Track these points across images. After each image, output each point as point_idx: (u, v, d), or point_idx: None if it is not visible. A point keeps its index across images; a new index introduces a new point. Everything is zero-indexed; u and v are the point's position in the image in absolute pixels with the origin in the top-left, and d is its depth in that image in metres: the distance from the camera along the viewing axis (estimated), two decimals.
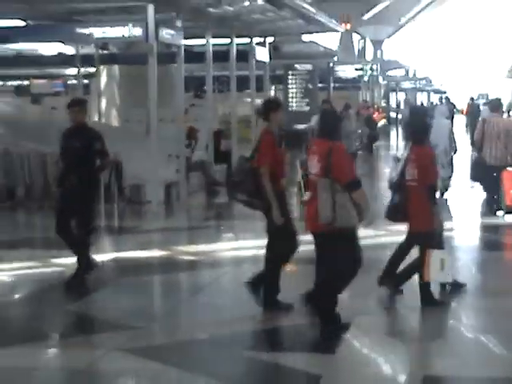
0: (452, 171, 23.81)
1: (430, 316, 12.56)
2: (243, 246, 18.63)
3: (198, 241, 19.94)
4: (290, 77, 43.77)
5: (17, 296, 14.60)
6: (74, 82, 36.92)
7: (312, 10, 33.15)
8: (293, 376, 10.14)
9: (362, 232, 12.08)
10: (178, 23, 25.19)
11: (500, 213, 22.02)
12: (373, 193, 26.06)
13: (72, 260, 15.88)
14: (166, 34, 24.75)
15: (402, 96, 64.38)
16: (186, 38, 27.88)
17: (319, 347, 11.05)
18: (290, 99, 43.86)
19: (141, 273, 16.24)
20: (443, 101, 53.01)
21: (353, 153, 30.71)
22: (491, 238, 20.11)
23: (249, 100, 33.06)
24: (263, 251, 16.35)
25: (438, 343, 11.37)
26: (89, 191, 14.60)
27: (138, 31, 24.19)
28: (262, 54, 31.13)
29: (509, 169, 21.62)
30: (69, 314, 13.33)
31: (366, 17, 72.91)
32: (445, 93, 66.17)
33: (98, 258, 16.54)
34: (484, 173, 22.68)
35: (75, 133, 14.49)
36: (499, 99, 29.09)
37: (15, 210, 24.51)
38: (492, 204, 22.58)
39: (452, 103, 52.56)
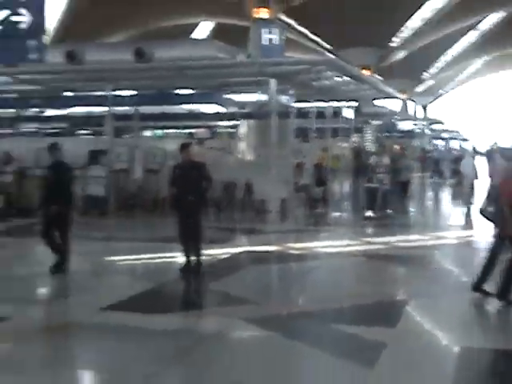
0: None
1: None
2: (334, 245, 20.01)
3: (302, 240, 21.44)
4: (366, 129, 45.82)
5: (172, 277, 15.71)
6: (223, 130, 39.30)
7: (382, 84, 35.45)
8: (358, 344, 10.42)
9: None
10: (291, 91, 27.53)
11: None
12: None
13: (217, 251, 18.24)
14: (282, 98, 26.85)
15: (440, 142, 65.13)
16: (296, 101, 30.15)
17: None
18: (366, 143, 45.86)
19: (263, 262, 17.56)
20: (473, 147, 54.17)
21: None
22: None
23: (339, 143, 35.36)
24: (348, 248, 18.95)
25: None
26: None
27: (264, 97, 26.31)
28: (348, 113, 33.61)
29: None
30: (208, 290, 14.51)
31: (417, 89, 75.26)
32: (467, 140, 65.90)
33: (236, 250, 18.80)
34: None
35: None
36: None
37: None
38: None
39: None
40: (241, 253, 18.87)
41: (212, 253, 18.20)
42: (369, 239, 22.02)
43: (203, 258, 15.88)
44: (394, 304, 13.32)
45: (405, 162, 31.61)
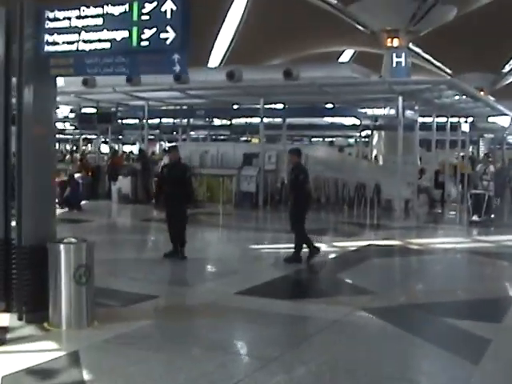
0: None
1: None
2: (448, 241, 18.71)
3: (421, 236, 20.18)
4: (480, 141, 44.29)
5: (306, 266, 14.25)
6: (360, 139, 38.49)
7: (495, 103, 33.95)
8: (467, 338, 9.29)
9: None
10: (416, 107, 26.01)
11: None
12: None
13: (347, 243, 17.35)
14: (408, 113, 25.46)
15: None
16: (421, 116, 29.22)
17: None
18: (481, 154, 44.32)
19: (385, 255, 16.31)
20: None
21: None
22: None
23: (456, 153, 33.56)
24: (460, 245, 17.54)
25: None
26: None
27: (392, 111, 25.52)
28: (465, 127, 32.05)
29: None
30: (334, 280, 13.27)
31: None
32: None
33: (363, 243, 17.50)
34: None
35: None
36: None
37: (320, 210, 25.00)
38: None
39: None
40: (367, 246, 17.45)
41: (342, 245, 17.39)
42: (480, 238, 20.25)
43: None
44: (503, 300, 11.79)
45: None
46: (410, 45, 50.23)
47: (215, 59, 53.22)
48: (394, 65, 31.18)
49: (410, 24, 39.74)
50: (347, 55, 63.49)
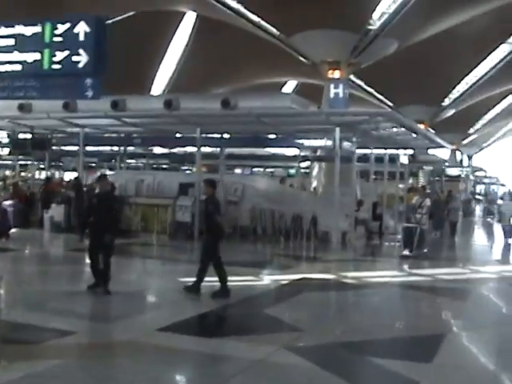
0: None
1: None
2: (384, 275, 18.33)
3: (356, 269, 19.79)
4: (420, 173, 44.47)
5: (234, 300, 13.59)
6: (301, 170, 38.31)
7: (434, 136, 34.08)
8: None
9: None
10: (354, 139, 25.47)
11: None
12: None
13: (280, 277, 16.92)
14: (346, 144, 25.27)
15: (482, 186, 65.59)
16: (361, 147, 29.03)
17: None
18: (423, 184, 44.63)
19: (317, 289, 15.76)
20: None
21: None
22: None
23: (394, 185, 33.21)
24: (395, 279, 17.14)
25: None
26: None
27: (329, 143, 25.30)
28: (404, 159, 31.96)
29: None
30: (263, 316, 12.61)
31: (464, 142, 74.41)
32: (504, 186, 66.03)
33: (296, 277, 16.93)
34: None
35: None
36: None
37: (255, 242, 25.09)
38: None
39: None
40: (300, 279, 16.89)
41: (274, 278, 17.10)
42: (412, 272, 19.64)
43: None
44: (434, 337, 11.18)
45: (455, 203, 30.13)
46: (352, 77, 50.87)
47: (158, 87, 52.90)
48: (332, 96, 31.00)
49: (352, 56, 39.98)
50: (290, 86, 63.60)
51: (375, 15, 39.93)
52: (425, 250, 22.60)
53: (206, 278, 13.93)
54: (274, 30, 38.81)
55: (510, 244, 28.25)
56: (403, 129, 25.73)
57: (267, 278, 17.23)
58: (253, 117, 23.94)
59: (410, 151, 33.22)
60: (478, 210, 56.99)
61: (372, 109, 48.50)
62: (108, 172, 31.40)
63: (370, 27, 40.06)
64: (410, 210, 24.19)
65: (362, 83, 55.43)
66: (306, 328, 11.60)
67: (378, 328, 11.85)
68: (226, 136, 29.34)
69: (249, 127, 27.51)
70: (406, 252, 21.89)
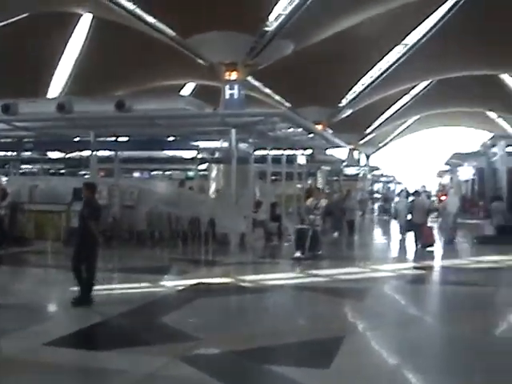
0: None
1: None
2: (282, 277, 17.84)
3: (254, 272, 19.50)
4: (318, 173, 44.48)
5: (126, 309, 13.17)
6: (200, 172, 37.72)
7: (332, 136, 34.11)
8: None
9: None
10: (250, 140, 25.57)
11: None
12: None
13: (175, 282, 16.59)
14: (242, 146, 25.44)
15: (379, 185, 66.80)
16: (256, 149, 28.75)
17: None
18: (319, 185, 44.74)
19: (214, 294, 15.33)
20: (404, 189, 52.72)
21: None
22: None
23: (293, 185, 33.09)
24: (293, 281, 16.85)
25: None
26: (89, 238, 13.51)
27: (225, 144, 25.00)
28: (302, 160, 31.80)
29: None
30: (156, 324, 12.04)
31: (361, 142, 75.31)
32: (401, 184, 67.34)
33: (192, 282, 16.40)
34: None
35: (85, 203, 13.91)
36: (418, 191, 33.45)
37: (153, 246, 24.53)
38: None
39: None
40: (196, 284, 16.38)
41: (169, 284, 16.68)
42: (314, 272, 19.15)
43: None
44: (332, 340, 10.87)
45: (351, 203, 30.02)
46: (250, 79, 50.60)
47: (55, 91, 51.53)
48: (228, 97, 30.64)
49: (249, 57, 39.71)
50: (189, 89, 63.03)
51: (272, 16, 39.83)
52: (319, 252, 22.16)
53: (98, 287, 13.35)
54: (170, 32, 38.19)
55: (405, 239, 28.62)
56: (300, 129, 25.50)
57: (163, 285, 16.67)
58: (147, 119, 23.42)
59: (308, 152, 33.15)
60: (375, 208, 57.71)
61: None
62: (3, 178, 30.08)
63: (267, 28, 39.91)
64: (305, 211, 23.74)
65: (260, 85, 55.17)
66: (202, 336, 11.10)
67: (277, 333, 11.49)
68: (121, 139, 28.53)
69: (144, 130, 26.94)
70: (298, 254, 21.43)
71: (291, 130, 25.85)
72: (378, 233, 38.74)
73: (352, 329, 12.12)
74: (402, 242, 28.85)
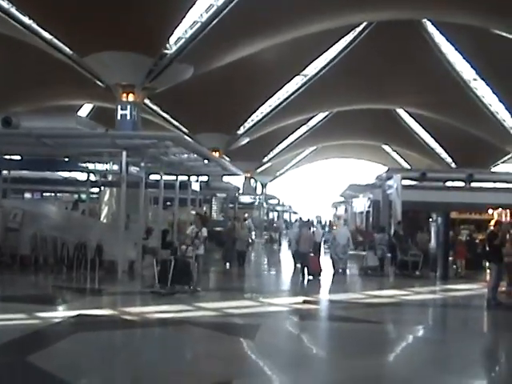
0: None
1: None
2: (172, 310, 16.47)
3: (140, 303, 18.21)
4: (213, 200, 43.35)
5: None
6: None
7: (227, 163, 33.02)
8: None
9: None
10: (142, 164, 24.19)
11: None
12: None
13: (52, 314, 14.90)
14: (133, 169, 24.21)
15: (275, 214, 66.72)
16: (150, 173, 27.44)
17: None
18: (214, 213, 43.73)
19: (91, 329, 13.92)
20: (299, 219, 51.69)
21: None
22: None
23: (188, 212, 31.74)
24: (178, 315, 15.42)
25: None
26: None
27: (115, 167, 23.66)
28: (196, 186, 30.36)
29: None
30: (20, 364, 10.59)
31: (258, 170, 75.15)
32: (297, 213, 67.26)
33: (71, 313, 15.15)
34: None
35: None
36: (308, 220, 33.24)
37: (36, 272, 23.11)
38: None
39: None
40: (75, 316, 14.94)
41: (45, 316, 14.83)
42: (204, 305, 17.64)
43: None
44: None
45: (242, 232, 28.75)
46: (149, 102, 49.67)
47: None
48: (119, 118, 29.28)
49: (147, 80, 38.71)
50: (86, 109, 61.51)
51: (172, 39, 38.91)
52: (190, 287, 19.64)
53: None
54: (68, 50, 36.65)
55: (296, 269, 27.97)
56: (194, 155, 24.27)
57: (40, 316, 15.00)
58: (33, 137, 21.84)
59: (204, 178, 32.08)
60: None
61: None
62: None
63: (166, 51, 38.99)
64: (184, 239, 21.47)
65: (158, 109, 54.18)
66: (72, 380, 9.78)
67: (160, 377, 10.35)
68: (6, 157, 26.82)
69: (31, 148, 25.25)
70: (157, 288, 19.08)
71: (185, 155, 24.54)
72: (269, 263, 37.48)
73: (242, 372, 10.92)
74: (294, 271, 28.16)
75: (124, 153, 22.23)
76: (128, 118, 28.96)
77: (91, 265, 22.45)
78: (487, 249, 21.27)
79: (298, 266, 27.46)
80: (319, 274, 25.69)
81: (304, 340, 14.44)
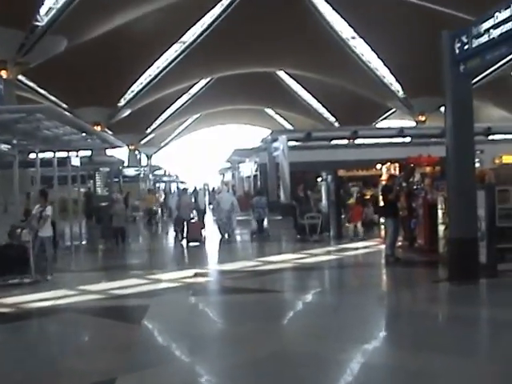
0: None
1: None
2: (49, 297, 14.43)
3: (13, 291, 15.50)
4: (97, 175, 41.38)
5: None
6: None
7: (107, 136, 31.12)
8: None
9: None
10: (14, 141, 22.28)
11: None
12: None
13: None
14: (3, 147, 22.15)
15: (162, 185, 65.61)
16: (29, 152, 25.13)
17: None
18: (98, 188, 41.76)
19: None
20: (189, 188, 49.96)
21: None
22: None
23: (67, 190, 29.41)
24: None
25: None
26: None
27: None
28: (76, 162, 28.20)
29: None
30: None
31: (142, 142, 73.58)
32: (184, 183, 66.19)
33: None
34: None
35: None
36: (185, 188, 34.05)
37: None
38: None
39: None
40: None
41: None
42: (82, 288, 15.70)
43: None
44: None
45: (118, 207, 26.66)
46: (23, 78, 47.54)
47: None
48: None
49: (19, 55, 36.66)
50: None
51: (42, 10, 36.93)
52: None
53: None
54: None
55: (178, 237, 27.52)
56: (71, 128, 22.25)
57: None
58: None
59: (86, 153, 30.24)
60: None
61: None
62: None
63: (38, 23, 36.96)
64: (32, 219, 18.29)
65: (34, 85, 51.91)
66: None
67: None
68: None
69: None
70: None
71: (61, 130, 22.38)
72: (151, 236, 35.29)
73: (126, 367, 9.21)
74: (175, 240, 27.66)
75: None
76: None
77: None
78: (381, 204, 20.50)
79: (178, 233, 27.37)
80: (201, 241, 25.77)
81: (202, 319, 12.89)
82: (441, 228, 17.31)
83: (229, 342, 10.55)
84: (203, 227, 28.23)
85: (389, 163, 24.63)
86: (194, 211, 29.81)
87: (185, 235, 26.41)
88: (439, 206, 17.57)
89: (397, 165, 24.24)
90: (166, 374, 8.90)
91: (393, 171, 23.67)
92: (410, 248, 20.36)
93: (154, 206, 40.86)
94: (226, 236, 27.17)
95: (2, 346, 10.93)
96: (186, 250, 24.78)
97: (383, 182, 21.95)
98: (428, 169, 22.68)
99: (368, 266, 19.12)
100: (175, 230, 28.42)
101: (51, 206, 18.05)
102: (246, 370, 8.81)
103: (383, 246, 19.77)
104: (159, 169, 62.50)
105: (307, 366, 8.69)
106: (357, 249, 22.59)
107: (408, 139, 46.39)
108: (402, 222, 19.90)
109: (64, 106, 53.03)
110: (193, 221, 27.43)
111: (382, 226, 22.44)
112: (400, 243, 20.23)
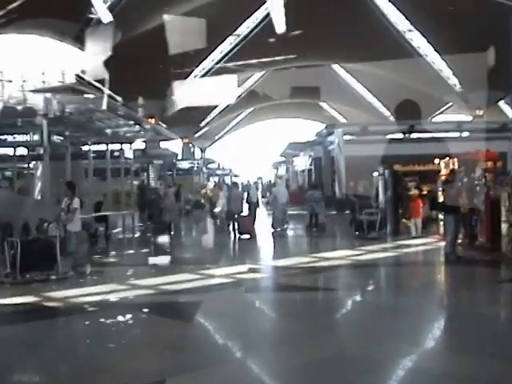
0: None
1: None
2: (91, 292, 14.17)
3: (74, 285, 15.11)
4: (150, 168, 41.17)
5: None
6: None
7: (162, 129, 30.70)
8: None
9: None
10: (67, 132, 22.32)
11: None
12: None
13: None
14: (56, 139, 21.85)
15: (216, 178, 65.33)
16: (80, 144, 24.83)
17: None
18: (152, 180, 41.50)
19: None
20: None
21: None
22: None
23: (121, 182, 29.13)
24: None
25: None
26: None
27: (36, 137, 21.06)
28: (130, 154, 27.76)
29: None
30: None
31: (197, 135, 73.17)
32: (237, 176, 65.52)
33: None
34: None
35: None
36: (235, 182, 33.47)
37: None
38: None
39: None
40: None
41: None
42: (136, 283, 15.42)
43: None
44: None
45: (167, 201, 26.17)
46: None
47: None
48: None
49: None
50: None
51: (97, 2, 37.06)
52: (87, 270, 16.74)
53: None
54: None
55: (228, 231, 26.93)
56: (124, 121, 21.84)
57: None
58: None
59: (139, 146, 29.93)
60: None
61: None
62: None
63: (92, 16, 37.09)
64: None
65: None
66: None
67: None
68: None
69: None
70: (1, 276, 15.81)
71: (114, 122, 21.98)
72: (200, 230, 34.34)
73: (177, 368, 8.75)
74: (225, 232, 27.09)
75: (44, 121, 19.57)
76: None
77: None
78: (440, 200, 19.71)
79: (231, 227, 26.77)
80: (252, 235, 25.49)
81: (256, 317, 12.34)
82: (504, 225, 16.58)
83: (284, 342, 10.00)
84: (254, 221, 27.87)
85: (447, 158, 23.80)
86: (246, 204, 29.15)
87: (236, 229, 26.10)
88: (502, 203, 16.83)
89: (456, 160, 23.37)
90: (219, 376, 8.42)
91: (451, 166, 22.82)
92: (471, 246, 19.60)
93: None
94: (279, 229, 27.19)
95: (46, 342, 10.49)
96: (237, 245, 24.33)
97: (443, 177, 21.17)
98: (489, 164, 21.78)
99: (427, 265, 18.52)
100: (227, 224, 27.86)
101: (78, 198, 17.27)
102: (304, 373, 8.29)
103: (442, 244, 18.99)
104: (213, 162, 62.20)
105: (367, 372, 8.12)
106: (415, 246, 21.85)
107: (466, 134, 45.20)
108: (463, 219, 19.10)
109: (119, 99, 52.96)
110: (243, 214, 27.18)
111: (441, 223, 21.68)
112: (460, 241, 19.42)
